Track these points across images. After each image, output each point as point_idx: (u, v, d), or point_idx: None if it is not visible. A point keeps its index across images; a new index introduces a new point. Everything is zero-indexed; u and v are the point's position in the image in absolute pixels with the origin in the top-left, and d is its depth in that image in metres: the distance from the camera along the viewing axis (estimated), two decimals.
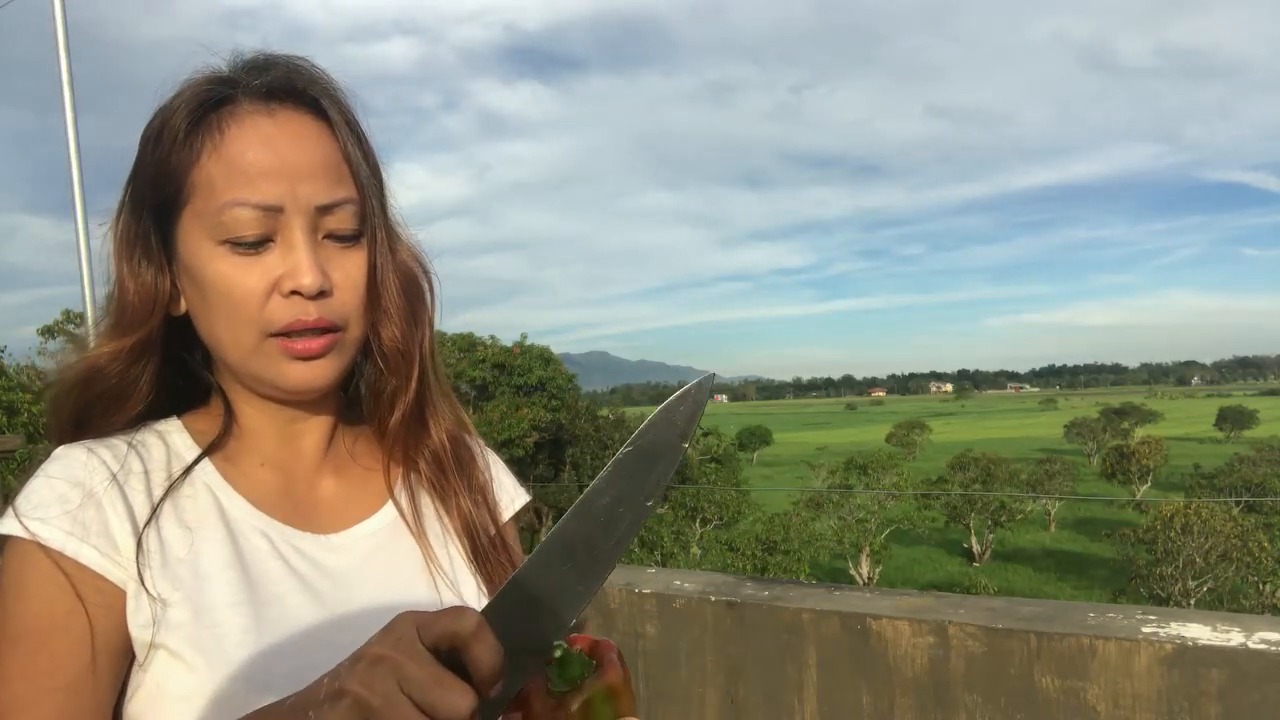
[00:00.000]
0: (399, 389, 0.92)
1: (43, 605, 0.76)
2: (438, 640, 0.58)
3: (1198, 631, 1.73)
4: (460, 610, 0.59)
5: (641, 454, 0.64)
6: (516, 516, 1.04)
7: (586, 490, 0.64)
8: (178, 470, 0.86)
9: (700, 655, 2.24)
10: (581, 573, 0.65)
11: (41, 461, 0.83)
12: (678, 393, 0.64)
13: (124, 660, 0.78)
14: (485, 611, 0.62)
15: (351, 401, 0.97)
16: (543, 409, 30.28)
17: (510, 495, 1.03)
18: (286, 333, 0.82)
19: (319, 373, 0.84)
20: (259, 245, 0.81)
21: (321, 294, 0.82)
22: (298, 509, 0.90)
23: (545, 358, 31.84)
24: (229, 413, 0.90)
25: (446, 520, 0.96)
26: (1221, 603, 27.34)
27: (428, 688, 0.56)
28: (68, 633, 0.76)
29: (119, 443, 0.85)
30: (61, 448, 0.84)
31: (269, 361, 0.83)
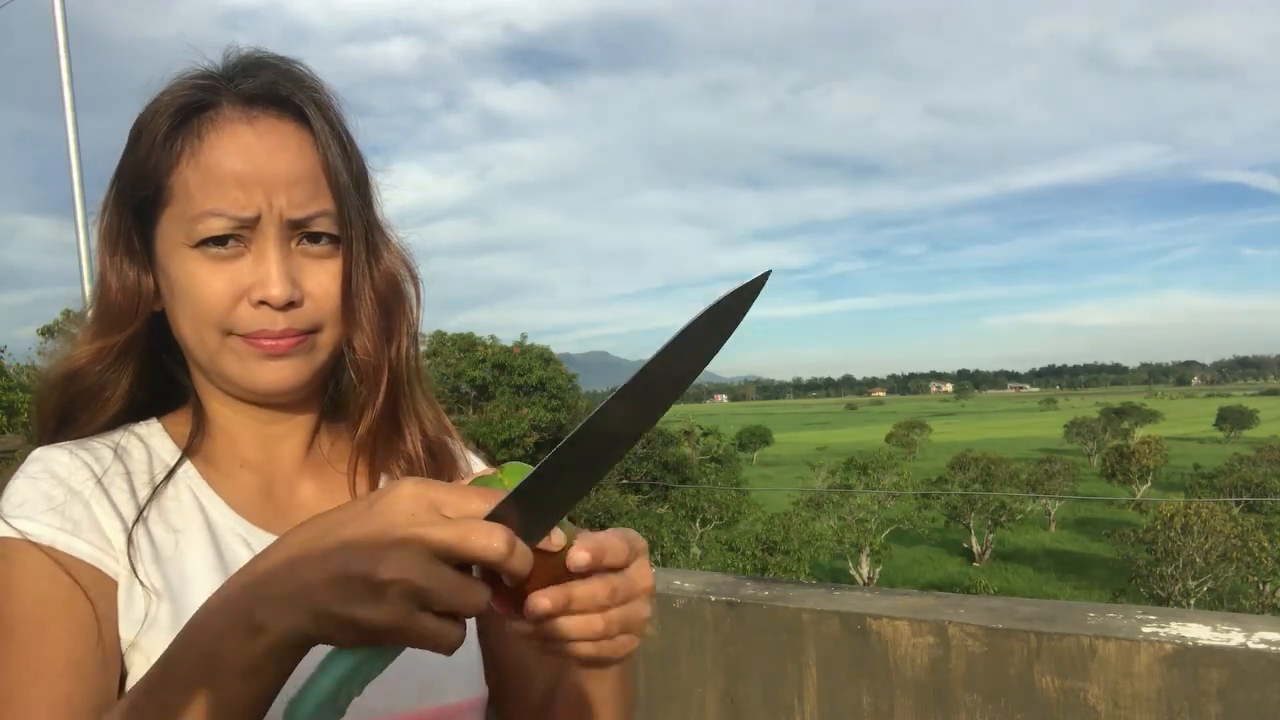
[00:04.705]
0: (367, 401, 0.91)
1: (38, 595, 0.75)
2: (460, 559, 0.57)
3: (1198, 631, 1.73)
4: (485, 530, 0.56)
5: (698, 333, 0.59)
6: None
7: (653, 356, 0.59)
8: (160, 473, 0.85)
9: (700, 655, 2.24)
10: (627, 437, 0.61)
11: (20, 463, 0.82)
12: (734, 290, 0.59)
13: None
14: (533, 479, 0.59)
15: (335, 404, 0.96)
16: (543, 409, 30.26)
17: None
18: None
19: (287, 374, 0.84)
20: (232, 251, 0.81)
21: (291, 305, 0.82)
22: (277, 514, 0.89)
23: (545, 358, 31.81)
24: (206, 414, 0.90)
25: None
26: (1221, 603, 27.33)
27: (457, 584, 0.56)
28: (69, 618, 0.75)
29: (100, 446, 0.85)
30: (40, 449, 0.83)
31: (235, 359, 0.83)
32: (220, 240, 0.81)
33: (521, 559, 0.58)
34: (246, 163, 0.80)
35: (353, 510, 0.59)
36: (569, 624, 0.62)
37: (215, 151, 0.81)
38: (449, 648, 0.58)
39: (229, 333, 0.82)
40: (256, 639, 0.58)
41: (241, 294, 0.81)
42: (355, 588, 0.55)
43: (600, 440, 0.61)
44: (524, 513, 0.60)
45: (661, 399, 0.61)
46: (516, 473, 0.63)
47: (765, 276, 0.60)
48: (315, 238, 0.84)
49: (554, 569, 0.62)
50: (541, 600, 0.60)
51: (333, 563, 0.56)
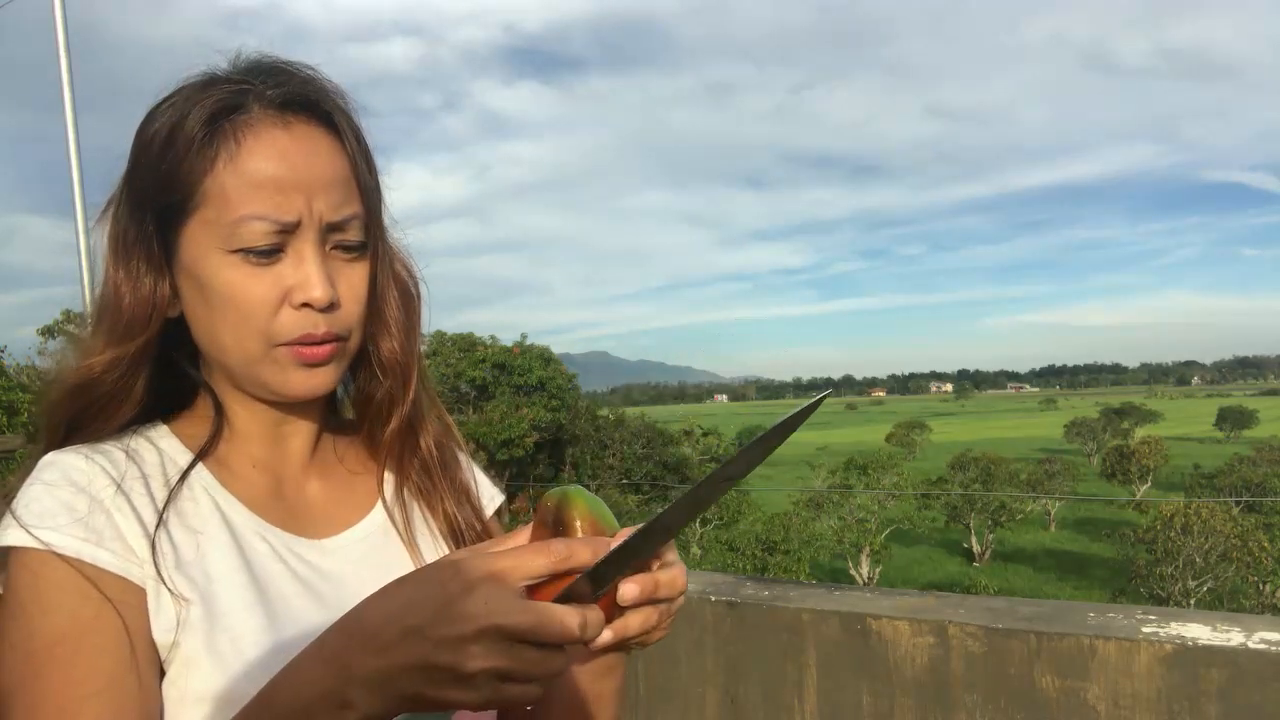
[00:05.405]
0: (397, 399, 0.94)
1: (68, 612, 0.74)
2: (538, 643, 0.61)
3: (1198, 631, 1.73)
4: (559, 618, 0.61)
5: (764, 444, 0.69)
6: (498, 514, 1.06)
7: (725, 462, 0.68)
8: (174, 475, 0.85)
9: (700, 655, 2.24)
10: (691, 513, 0.70)
11: (30, 469, 0.81)
12: (803, 407, 0.69)
13: (158, 659, 0.77)
14: (627, 545, 0.65)
15: (332, 405, 0.98)
16: (543, 409, 30.24)
17: (489, 494, 1.06)
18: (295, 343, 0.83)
19: (321, 381, 0.86)
20: (271, 255, 0.81)
21: (331, 306, 0.83)
22: (289, 512, 0.90)
23: (545, 358, 31.80)
24: (220, 415, 0.90)
25: (432, 523, 0.98)
26: (1221, 603, 27.31)
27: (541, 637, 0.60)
28: (100, 634, 0.74)
29: (114, 449, 0.84)
30: (53, 454, 0.82)
31: (276, 368, 0.84)
32: (261, 253, 0.81)
33: (595, 629, 0.64)
34: (286, 167, 0.81)
35: (426, 593, 0.63)
36: (634, 620, 0.69)
37: (254, 156, 0.81)
38: (530, 703, 0.63)
39: (274, 344, 0.83)
40: (346, 714, 0.63)
41: (283, 297, 0.82)
42: (442, 676, 0.60)
43: (665, 529, 0.68)
44: (594, 580, 0.65)
45: (715, 494, 0.69)
46: (579, 500, 0.70)
47: (822, 398, 0.70)
48: (346, 242, 0.85)
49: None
50: (606, 635, 0.67)
51: (416, 653, 0.60)
